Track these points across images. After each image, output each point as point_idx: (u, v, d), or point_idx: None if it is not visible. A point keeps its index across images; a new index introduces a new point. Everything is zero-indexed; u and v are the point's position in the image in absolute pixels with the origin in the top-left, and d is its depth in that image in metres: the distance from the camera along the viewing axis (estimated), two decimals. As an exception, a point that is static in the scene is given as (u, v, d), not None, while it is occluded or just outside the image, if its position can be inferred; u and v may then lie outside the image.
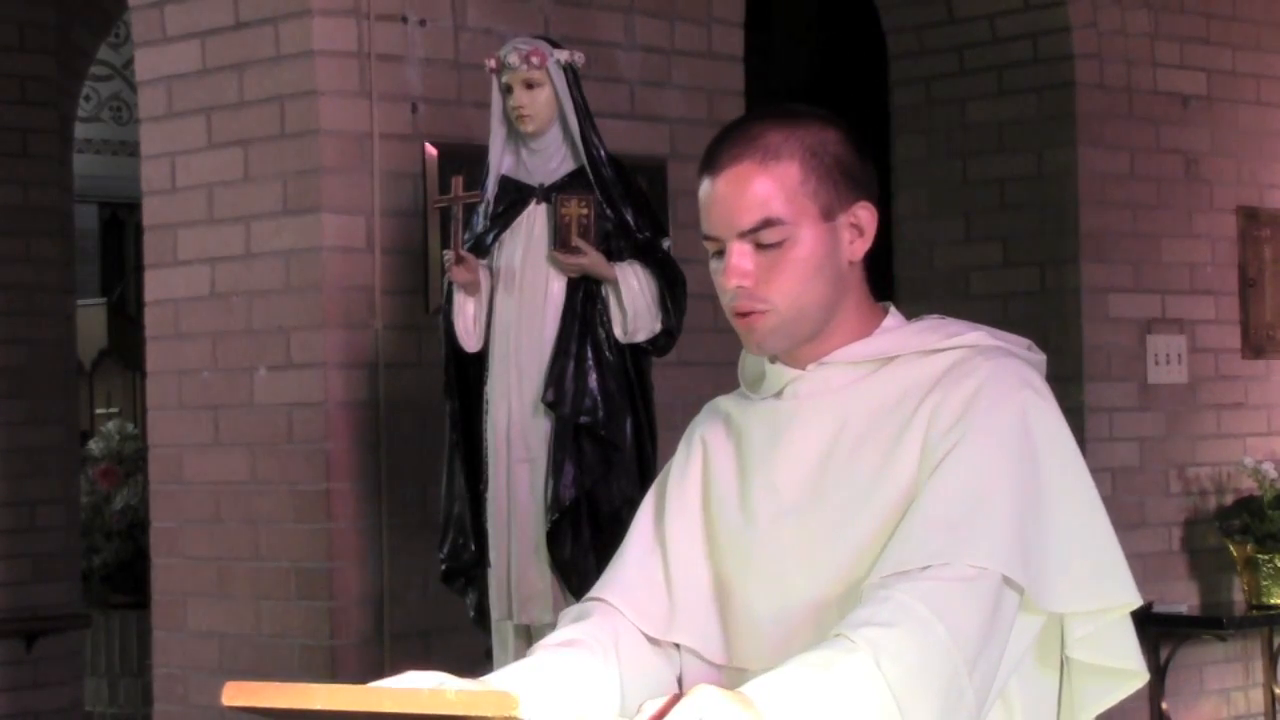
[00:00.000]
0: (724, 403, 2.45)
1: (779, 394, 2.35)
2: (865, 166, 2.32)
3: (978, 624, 2.12)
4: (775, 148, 2.25)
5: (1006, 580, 2.14)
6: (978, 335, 2.32)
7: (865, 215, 2.30)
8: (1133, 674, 2.31)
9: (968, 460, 2.19)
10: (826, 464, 2.28)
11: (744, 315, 2.28)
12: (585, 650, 2.31)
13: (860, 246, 2.30)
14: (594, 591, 2.42)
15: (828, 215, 2.27)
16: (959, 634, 2.09)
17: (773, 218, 2.24)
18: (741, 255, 2.25)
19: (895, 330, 2.34)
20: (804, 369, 2.33)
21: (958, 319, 2.36)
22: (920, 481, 2.20)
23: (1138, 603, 2.26)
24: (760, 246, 2.25)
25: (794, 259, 2.25)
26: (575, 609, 2.42)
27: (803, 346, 2.32)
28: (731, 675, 2.28)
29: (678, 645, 2.37)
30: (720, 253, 2.28)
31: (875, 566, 2.16)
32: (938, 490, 2.18)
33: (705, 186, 2.28)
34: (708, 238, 2.29)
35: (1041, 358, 2.36)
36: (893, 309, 2.37)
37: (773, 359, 2.35)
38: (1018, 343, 2.34)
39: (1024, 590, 2.16)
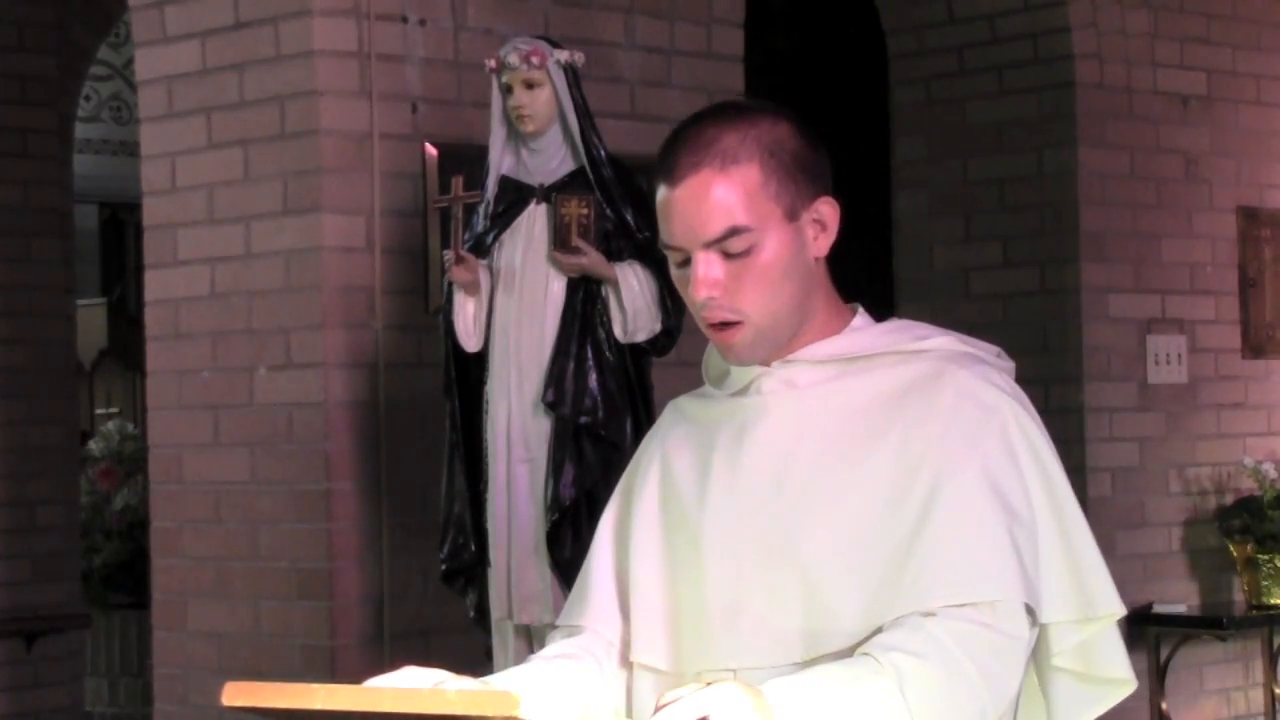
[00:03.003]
0: (685, 403, 2.40)
1: (744, 390, 2.30)
2: (820, 158, 2.26)
3: (1018, 683, 2.13)
4: (733, 151, 2.19)
5: (1027, 609, 2.14)
6: (947, 340, 2.27)
7: (827, 210, 2.24)
8: (1122, 682, 2.29)
9: (964, 490, 2.15)
10: (790, 462, 2.23)
11: (717, 328, 2.22)
12: (580, 662, 2.30)
13: (824, 242, 2.25)
14: (567, 617, 2.39)
15: (791, 216, 2.21)
16: (999, 690, 2.10)
17: (738, 226, 2.18)
18: (709, 265, 2.19)
19: (862, 330, 2.29)
20: (769, 365, 2.27)
21: (926, 323, 2.31)
22: (901, 497, 2.16)
23: (1121, 611, 2.25)
24: (727, 255, 2.19)
25: (762, 265, 2.19)
26: (563, 631, 2.40)
27: None
28: (675, 680, 2.23)
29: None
30: (685, 262, 2.22)
31: (891, 603, 2.12)
32: (942, 523, 2.13)
33: (663, 194, 2.21)
34: (669, 247, 2.23)
35: (1011, 365, 2.31)
36: (861, 310, 2.32)
37: None
38: (987, 349, 2.30)
39: (1036, 613, 2.16)
